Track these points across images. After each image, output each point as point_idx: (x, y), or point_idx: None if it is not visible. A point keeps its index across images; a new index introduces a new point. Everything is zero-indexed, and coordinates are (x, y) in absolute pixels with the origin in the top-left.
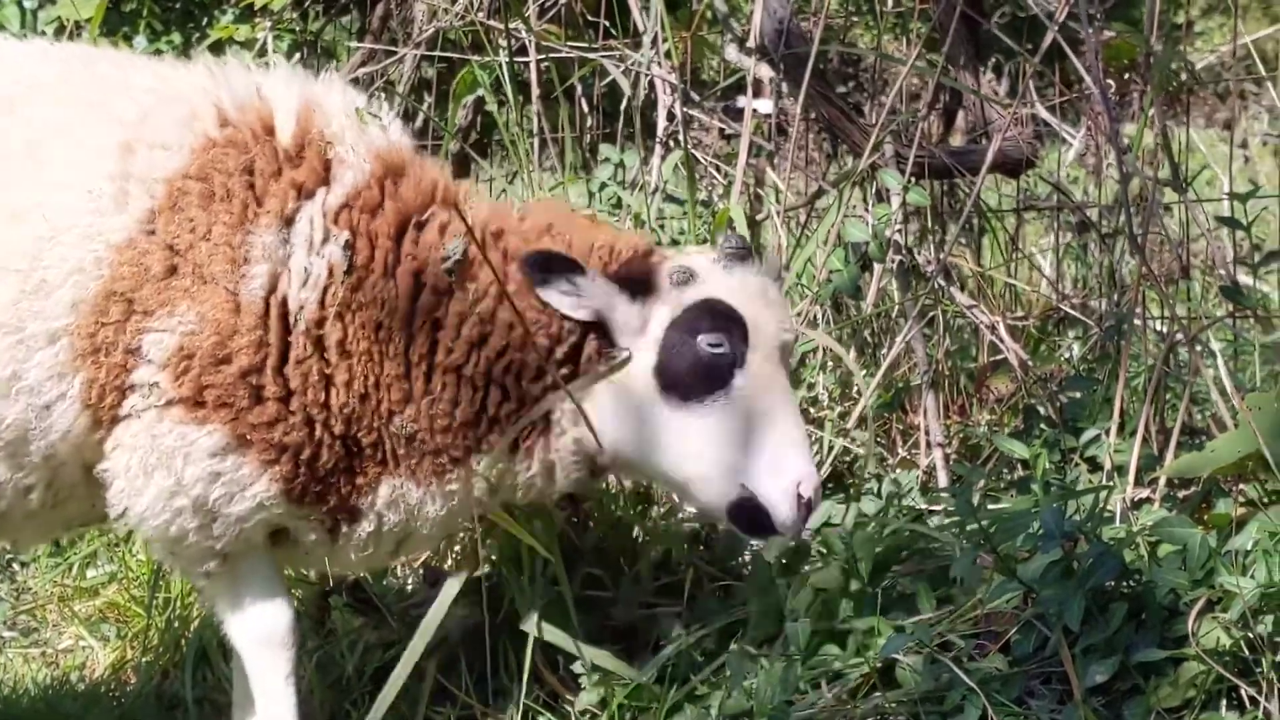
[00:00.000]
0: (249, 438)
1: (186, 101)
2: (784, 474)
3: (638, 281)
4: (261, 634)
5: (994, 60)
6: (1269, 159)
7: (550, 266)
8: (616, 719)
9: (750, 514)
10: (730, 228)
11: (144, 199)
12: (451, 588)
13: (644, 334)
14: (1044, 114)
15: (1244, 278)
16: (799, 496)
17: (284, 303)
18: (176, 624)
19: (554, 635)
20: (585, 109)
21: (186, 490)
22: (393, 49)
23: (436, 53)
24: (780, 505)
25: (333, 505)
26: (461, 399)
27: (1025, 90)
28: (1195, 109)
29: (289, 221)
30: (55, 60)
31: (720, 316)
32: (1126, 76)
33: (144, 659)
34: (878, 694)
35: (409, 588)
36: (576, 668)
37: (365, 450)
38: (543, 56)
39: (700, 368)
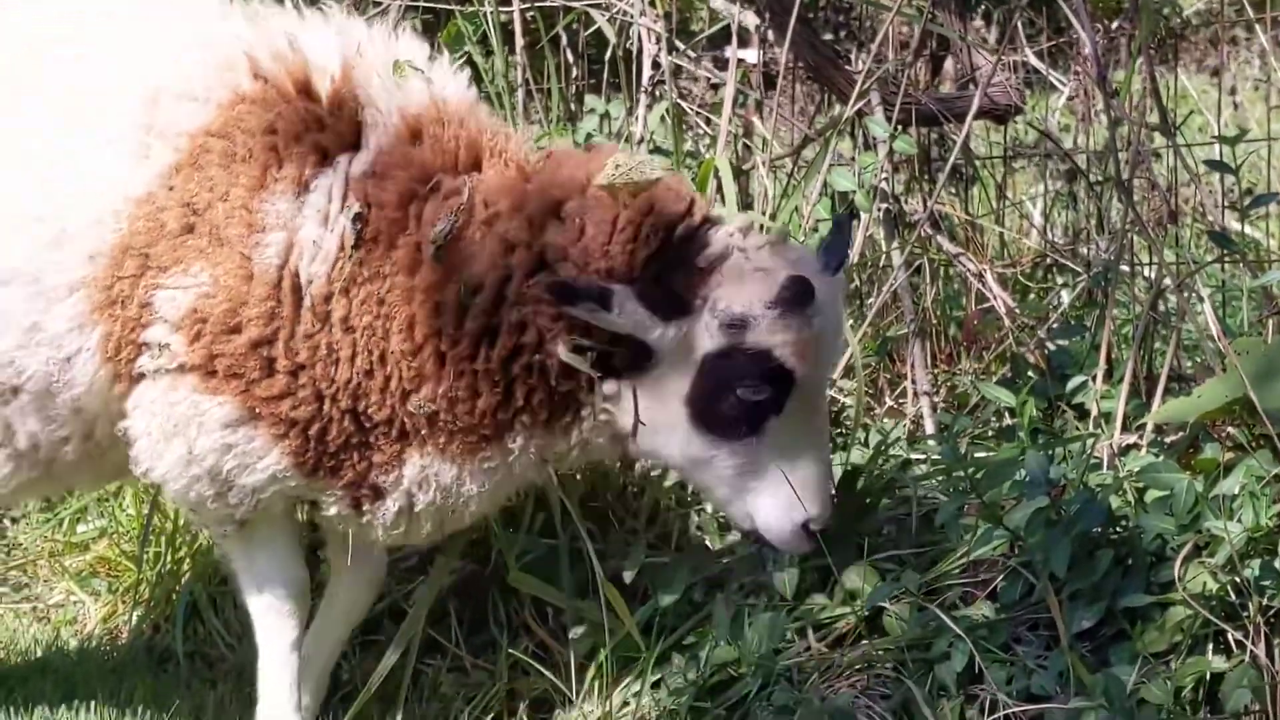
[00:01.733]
0: (259, 411)
1: (221, 50)
2: (795, 518)
3: (675, 305)
4: (271, 601)
5: (984, 7)
6: (1259, 104)
7: (575, 297)
8: (605, 670)
9: (759, 539)
10: (833, 254)
11: (166, 153)
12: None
13: (680, 355)
14: (1033, 60)
15: (1234, 223)
16: (806, 531)
17: (297, 274)
18: (167, 578)
19: (540, 588)
20: (570, 59)
21: (200, 460)
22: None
23: (421, 2)
24: (785, 543)
25: (349, 480)
26: (481, 390)
27: (1013, 36)
28: (1186, 54)
29: (305, 189)
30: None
31: (767, 372)
32: (1115, 23)
33: (135, 613)
34: (865, 642)
35: None
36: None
37: (379, 426)
38: (527, 5)
39: (735, 415)
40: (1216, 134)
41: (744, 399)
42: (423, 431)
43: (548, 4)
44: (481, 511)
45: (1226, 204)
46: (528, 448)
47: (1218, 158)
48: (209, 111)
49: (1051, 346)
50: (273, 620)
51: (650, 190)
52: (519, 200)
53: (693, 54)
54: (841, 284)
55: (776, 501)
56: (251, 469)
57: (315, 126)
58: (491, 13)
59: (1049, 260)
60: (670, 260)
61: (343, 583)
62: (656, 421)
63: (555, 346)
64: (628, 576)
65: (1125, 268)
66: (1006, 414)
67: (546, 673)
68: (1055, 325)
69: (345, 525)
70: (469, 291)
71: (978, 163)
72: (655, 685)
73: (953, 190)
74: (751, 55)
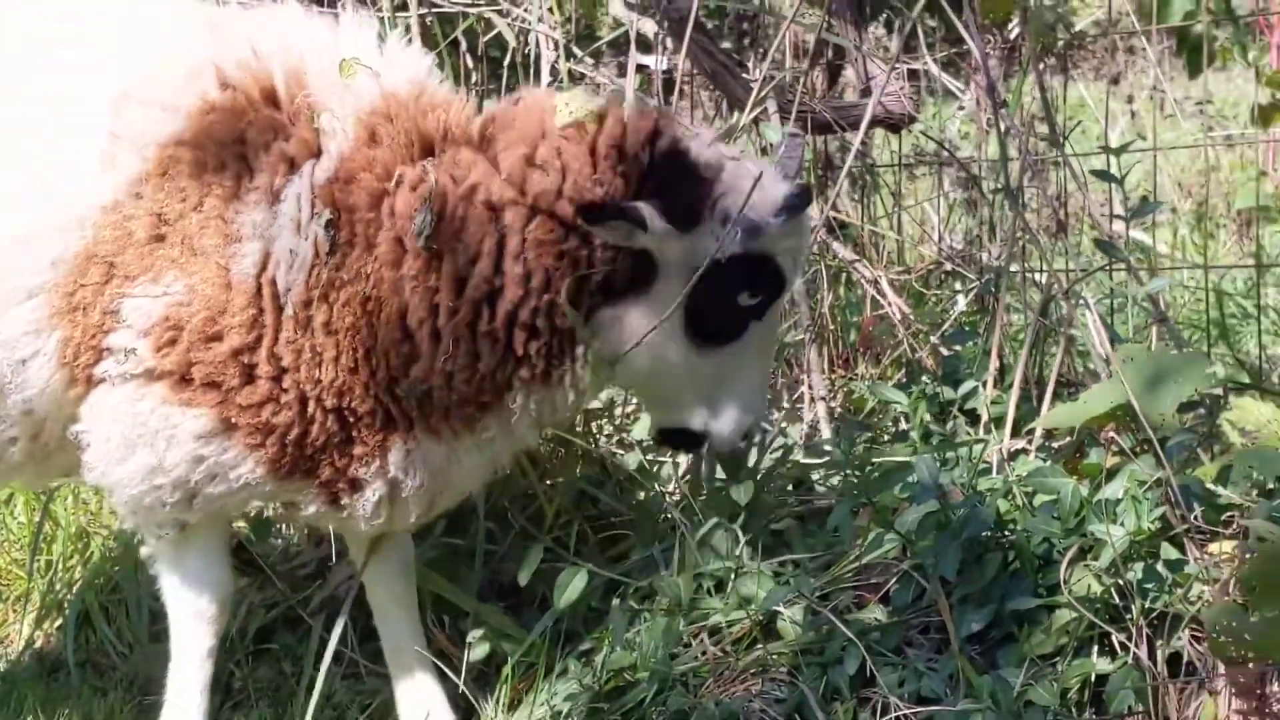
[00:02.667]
0: (235, 421)
1: (187, 58)
2: (744, 421)
3: (689, 217)
4: (197, 604)
5: (884, 16)
6: (1157, 112)
7: (610, 216)
8: (510, 677)
9: (689, 442)
10: (790, 165)
11: (134, 161)
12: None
13: (681, 267)
14: (934, 69)
15: (1136, 231)
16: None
17: (275, 282)
18: (58, 587)
19: (443, 589)
20: (470, 64)
21: (168, 471)
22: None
23: (319, 10)
24: (725, 441)
25: (326, 478)
26: (482, 350)
27: (905, 46)
28: (1085, 63)
29: (278, 198)
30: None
31: (770, 278)
32: (1015, 32)
33: (25, 622)
34: (759, 646)
35: (292, 548)
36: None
37: (363, 419)
38: (425, 10)
39: (731, 322)
40: (1106, 144)
41: (742, 305)
42: (411, 414)
43: (446, 9)
44: (472, 488)
45: (1113, 213)
46: (528, 405)
47: (1106, 167)
48: (179, 120)
49: (945, 352)
50: (194, 624)
51: (612, 112)
52: (489, 167)
53: (592, 60)
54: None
55: (735, 405)
56: (223, 478)
57: (282, 135)
58: (389, 16)
59: (942, 267)
60: (667, 173)
61: (379, 582)
62: (651, 337)
63: (562, 284)
64: (522, 578)
65: (1017, 274)
66: (903, 419)
67: (452, 677)
68: (948, 331)
69: (323, 522)
70: (469, 262)
71: (878, 170)
72: (554, 691)
73: (854, 197)
74: (654, 62)
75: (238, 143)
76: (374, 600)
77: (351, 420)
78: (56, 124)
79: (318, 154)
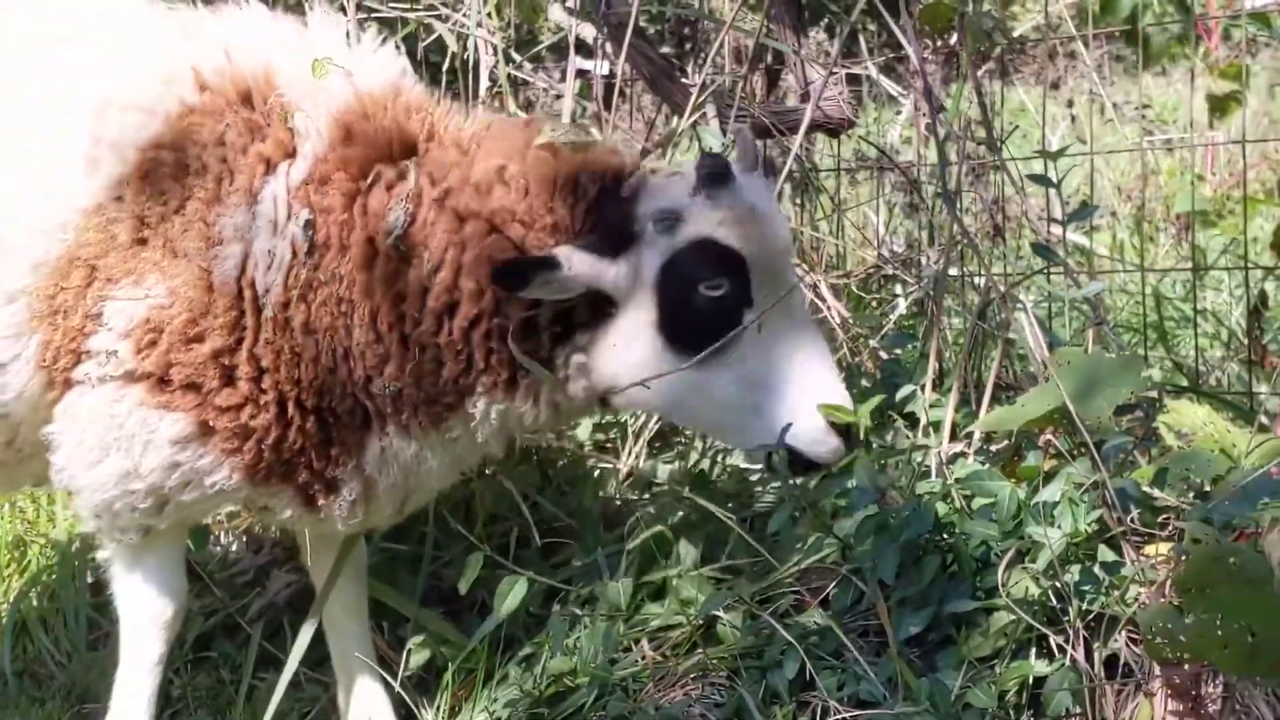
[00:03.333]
0: (213, 425)
1: (164, 62)
2: (816, 417)
3: (616, 239)
4: (150, 612)
5: (825, 21)
6: (1097, 117)
7: (522, 273)
8: (450, 684)
9: (798, 463)
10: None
11: (115, 165)
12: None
13: (637, 288)
14: (874, 73)
15: (1072, 235)
16: (835, 426)
17: (255, 283)
18: None
19: (384, 594)
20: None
21: (143, 476)
22: None
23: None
24: (819, 450)
25: (303, 481)
26: (445, 360)
27: (845, 50)
28: (1025, 68)
29: (256, 199)
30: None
31: (714, 259)
32: (954, 38)
33: None
34: (699, 650)
35: (231, 555)
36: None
37: (341, 419)
38: (363, 16)
39: (705, 318)
40: (1045, 148)
41: (709, 296)
42: (386, 411)
43: (385, 14)
44: (441, 486)
45: (1050, 217)
46: (489, 413)
47: (1050, 172)
48: (158, 124)
49: (884, 355)
50: (148, 630)
51: (592, 147)
52: (465, 173)
53: (533, 65)
54: (763, 178)
55: (794, 402)
56: (197, 485)
57: (258, 136)
58: None
59: (881, 271)
60: (604, 206)
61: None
62: (636, 365)
63: (510, 310)
64: (463, 587)
65: (956, 279)
66: None
67: (391, 683)
68: (888, 335)
69: (298, 525)
70: (432, 270)
71: (818, 174)
72: (494, 698)
73: (795, 201)
74: (594, 66)
75: (218, 145)
76: (325, 607)
77: (331, 421)
78: (37, 129)
79: (292, 154)
